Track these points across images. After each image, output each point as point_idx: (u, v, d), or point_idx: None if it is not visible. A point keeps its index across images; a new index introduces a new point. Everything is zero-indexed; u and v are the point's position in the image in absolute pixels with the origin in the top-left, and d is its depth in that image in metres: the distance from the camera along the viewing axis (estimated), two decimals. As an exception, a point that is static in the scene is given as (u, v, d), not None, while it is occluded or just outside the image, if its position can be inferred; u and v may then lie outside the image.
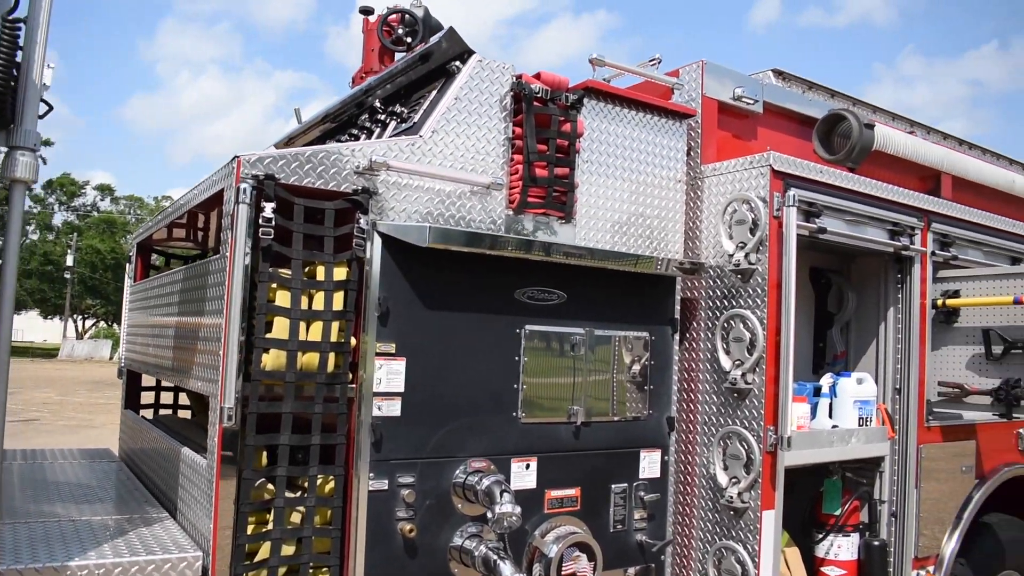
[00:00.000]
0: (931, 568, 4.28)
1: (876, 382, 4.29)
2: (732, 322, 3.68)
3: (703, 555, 3.76)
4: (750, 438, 3.58)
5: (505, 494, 3.10)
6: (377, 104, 3.91)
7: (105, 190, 64.20)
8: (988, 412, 4.21)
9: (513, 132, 3.40)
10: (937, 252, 4.33)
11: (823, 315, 4.50)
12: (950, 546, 4.33)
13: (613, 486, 3.62)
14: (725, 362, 3.69)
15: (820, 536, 4.21)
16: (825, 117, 4.12)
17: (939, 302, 4.33)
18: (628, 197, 3.68)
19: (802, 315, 4.53)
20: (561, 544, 3.34)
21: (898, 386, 4.24)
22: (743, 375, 3.59)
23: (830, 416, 4.09)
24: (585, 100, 3.56)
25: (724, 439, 3.69)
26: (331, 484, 3.01)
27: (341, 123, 4.27)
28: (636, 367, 3.69)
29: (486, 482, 3.17)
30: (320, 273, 3.00)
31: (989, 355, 4.14)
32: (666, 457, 3.78)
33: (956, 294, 4.32)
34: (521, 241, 3.31)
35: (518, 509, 3.04)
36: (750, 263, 3.61)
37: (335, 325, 2.98)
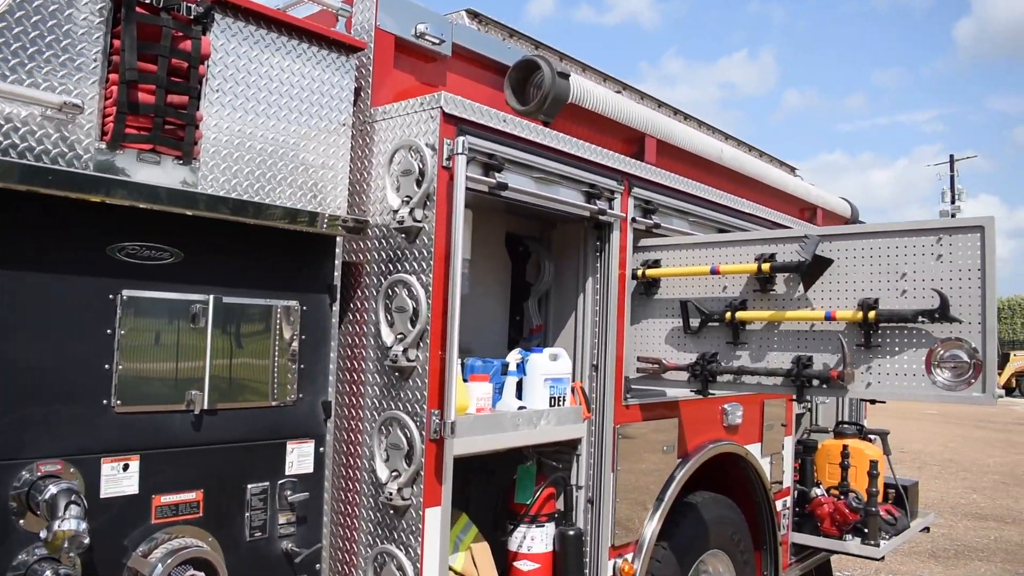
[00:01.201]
0: (630, 556, 4.01)
1: (574, 358, 3.96)
2: (395, 289, 3.16)
3: (366, 562, 3.22)
4: (411, 424, 3.08)
5: (72, 507, 2.40)
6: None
7: None
8: (687, 388, 3.98)
9: (112, 45, 2.67)
10: (638, 219, 4.05)
11: (521, 286, 4.11)
12: (649, 530, 4.09)
13: (250, 486, 3.00)
14: (387, 336, 3.16)
15: (512, 528, 3.81)
16: (517, 64, 3.69)
17: (639, 272, 4.06)
18: (275, 139, 3.05)
19: (497, 286, 4.12)
20: (169, 561, 2.68)
21: (595, 362, 3.92)
22: (405, 351, 3.08)
23: (519, 396, 3.69)
24: (217, 16, 2.89)
25: (385, 426, 3.17)
26: None
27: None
28: (281, 343, 3.08)
29: (52, 490, 2.45)
30: None
31: (687, 328, 3.92)
32: (321, 449, 3.21)
33: (656, 264, 4.07)
34: (113, 183, 2.59)
35: (84, 525, 2.35)
36: (415, 220, 3.10)
37: None
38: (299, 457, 3.14)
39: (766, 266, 3.67)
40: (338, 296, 3.26)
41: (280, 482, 3.08)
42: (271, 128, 3.05)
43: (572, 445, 3.89)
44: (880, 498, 5.72)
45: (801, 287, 3.64)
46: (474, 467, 3.98)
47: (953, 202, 40.78)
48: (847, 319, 3.49)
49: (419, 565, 3.02)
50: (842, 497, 5.33)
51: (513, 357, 3.70)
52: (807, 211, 6.00)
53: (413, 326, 3.08)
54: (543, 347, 3.78)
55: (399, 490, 3.06)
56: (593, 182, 3.75)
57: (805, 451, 5.70)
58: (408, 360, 3.08)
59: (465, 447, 3.20)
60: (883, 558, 5.24)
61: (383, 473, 3.13)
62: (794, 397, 3.62)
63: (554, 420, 3.67)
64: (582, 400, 3.85)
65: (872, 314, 3.42)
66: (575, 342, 3.99)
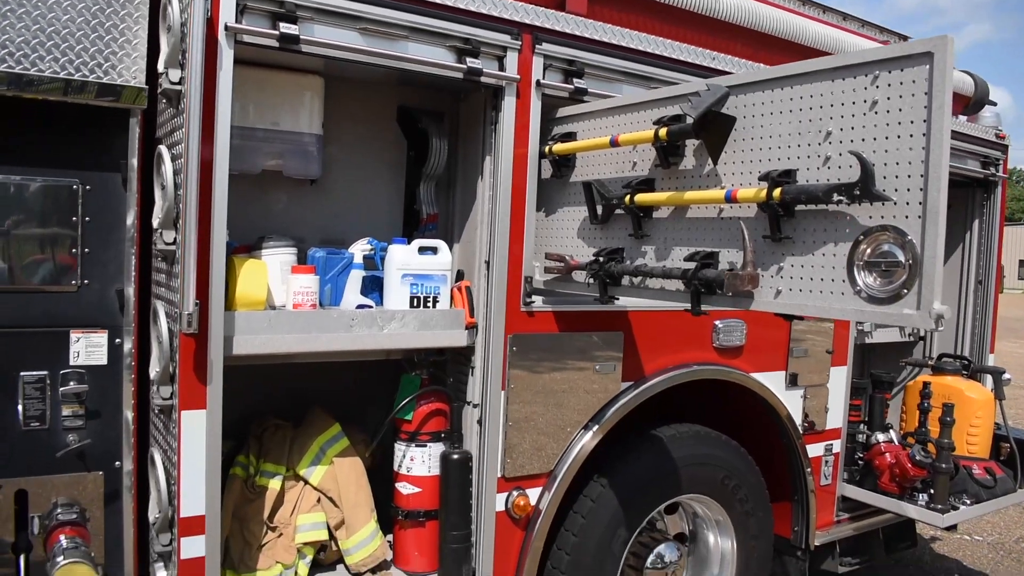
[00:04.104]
0: (535, 490, 3.37)
1: (476, 254, 3.32)
2: (160, 163, 2.78)
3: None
4: (162, 314, 2.73)
5: None
6: None
7: None
8: (645, 295, 3.16)
9: None
10: (553, 83, 3.25)
11: (418, 169, 3.50)
12: (567, 462, 3.40)
13: (23, 374, 2.84)
14: (155, 216, 2.80)
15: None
16: None
17: (546, 149, 3.28)
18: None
19: (386, 169, 3.55)
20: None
21: (488, 258, 3.26)
22: (161, 232, 2.71)
23: (374, 295, 3.18)
24: None
25: (153, 316, 2.85)
26: None
27: None
28: (58, 224, 2.84)
29: None
30: None
31: (593, 218, 3.10)
32: (118, 340, 2.96)
33: (569, 138, 3.25)
34: None
35: None
36: (172, 82, 2.66)
37: None
38: (87, 348, 2.92)
39: (663, 131, 2.77)
40: (134, 176, 2.95)
41: (63, 372, 2.89)
42: (39, -13, 2.75)
43: (466, 354, 3.32)
44: (986, 453, 4.41)
45: (710, 159, 2.71)
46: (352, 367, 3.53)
47: None
48: (750, 200, 2.54)
49: (175, 473, 2.70)
50: (911, 447, 4.13)
51: (359, 247, 3.18)
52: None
53: (167, 202, 2.69)
54: (402, 239, 3.21)
55: (157, 388, 2.74)
56: (467, 36, 3.04)
57: (876, 386, 4.49)
58: (166, 243, 2.71)
59: (253, 347, 2.79)
60: (953, 528, 4.01)
61: (153, 369, 2.83)
62: (690, 308, 2.73)
63: (414, 324, 3.11)
64: (464, 303, 3.23)
65: (777, 192, 2.45)
66: (476, 235, 3.34)
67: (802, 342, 4.03)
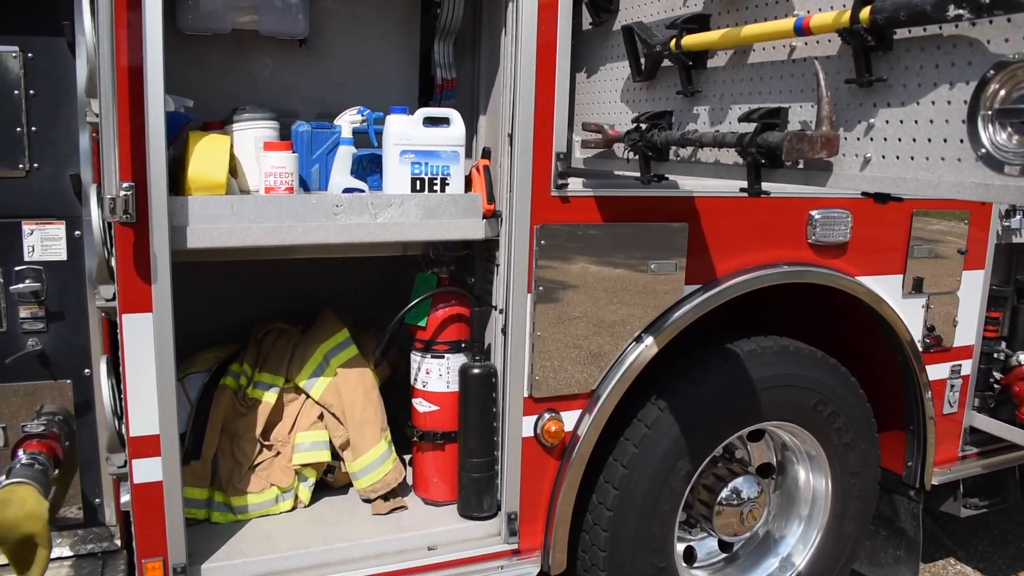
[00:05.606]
0: (573, 413, 2.80)
1: (501, 125, 2.70)
2: (79, 13, 2.29)
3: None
4: (92, 199, 2.30)
5: None
6: None
7: None
8: (706, 174, 2.48)
9: None
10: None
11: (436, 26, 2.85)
12: (613, 380, 2.81)
13: (-29, 270, 2.52)
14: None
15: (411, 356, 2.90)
16: None
17: (582, -11, 2.58)
18: None
19: (398, 26, 2.91)
20: None
21: (511, 130, 2.63)
22: (90, 101, 2.26)
23: (374, 178, 2.65)
24: None
25: (98, 206, 2.42)
26: None
27: None
28: (-5, 97, 2.45)
29: None
30: None
31: (637, 73, 2.41)
32: (77, 232, 2.58)
33: (612, -28, 2.54)
34: None
35: None
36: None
37: None
38: (43, 240, 2.56)
39: (715, -54, 2.04)
40: (85, 39, 2.46)
41: (16, 269, 2.54)
42: None
43: (491, 250, 2.76)
44: None
45: (779, -20, 1.97)
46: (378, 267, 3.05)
47: None
48: (827, 28, 1.80)
49: (122, 385, 2.30)
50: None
51: (346, 119, 2.63)
52: None
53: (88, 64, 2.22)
54: (402, 107, 2.62)
55: (97, 288, 2.34)
56: None
57: (1021, 296, 3.58)
58: (95, 114, 2.25)
59: (212, 238, 2.32)
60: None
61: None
62: (744, 188, 2.04)
63: (416, 212, 2.56)
64: (482, 186, 2.65)
65: (866, 12, 1.70)
66: (500, 104, 2.72)
67: (927, 240, 3.22)
